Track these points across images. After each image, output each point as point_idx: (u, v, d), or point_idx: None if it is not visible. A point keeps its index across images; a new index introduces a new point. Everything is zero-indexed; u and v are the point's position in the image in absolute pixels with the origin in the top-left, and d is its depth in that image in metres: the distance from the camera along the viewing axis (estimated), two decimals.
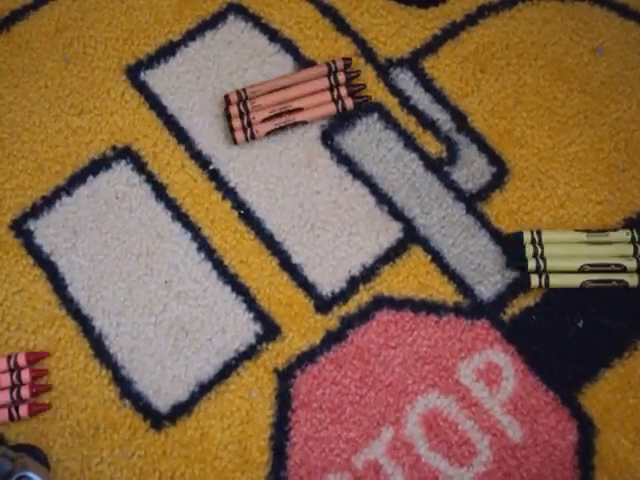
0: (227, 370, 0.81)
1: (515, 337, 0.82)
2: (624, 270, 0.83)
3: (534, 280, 0.83)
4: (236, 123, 0.88)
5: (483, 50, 0.94)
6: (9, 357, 0.79)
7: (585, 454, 0.79)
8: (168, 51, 0.93)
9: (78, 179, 0.87)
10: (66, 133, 0.89)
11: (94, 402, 0.79)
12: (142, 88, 0.91)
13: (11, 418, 0.78)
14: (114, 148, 0.89)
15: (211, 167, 0.88)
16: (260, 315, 0.83)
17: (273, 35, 0.94)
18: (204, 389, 0.80)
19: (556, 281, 0.83)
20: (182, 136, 0.89)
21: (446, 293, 0.84)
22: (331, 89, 0.90)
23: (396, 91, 0.92)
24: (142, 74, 0.92)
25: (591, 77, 0.93)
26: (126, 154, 0.89)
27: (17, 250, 0.85)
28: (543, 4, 0.96)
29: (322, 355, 0.81)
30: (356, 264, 0.85)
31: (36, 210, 0.86)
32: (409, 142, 0.90)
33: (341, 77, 0.90)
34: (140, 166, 0.88)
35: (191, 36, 0.94)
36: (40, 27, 0.94)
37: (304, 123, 0.89)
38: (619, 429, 0.79)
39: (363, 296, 0.84)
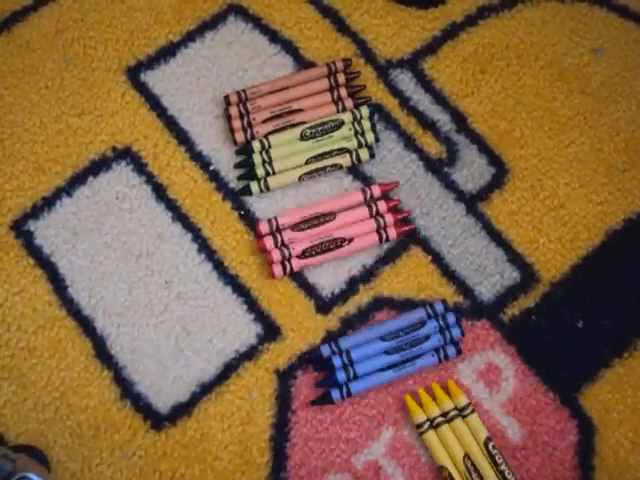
0: (228, 371, 0.81)
1: (515, 338, 0.82)
2: (344, 152, 0.86)
3: (254, 187, 0.85)
4: (236, 124, 0.88)
5: (483, 51, 0.94)
6: (364, 190, 0.85)
7: (585, 454, 0.79)
8: (168, 52, 0.93)
9: (78, 180, 0.87)
10: (66, 134, 0.89)
11: (94, 403, 0.80)
12: (142, 89, 0.91)
13: (380, 240, 0.83)
14: (114, 149, 0.89)
15: (211, 168, 0.88)
16: (261, 316, 0.83)
17: (273, 36, 0.94)
18: (205, 390, 0.80)
19: (275, 182, 0.85)
20: (182, 137, 0.90)
21: (446, 294, 0.84)
22: (331, 90, 0.90)
23: (396, 92, 0.92)
24: (142, 75, 0.92)
25: (591, 78, 0.93)
26: (126, 155, 0.89)
27: (17, 251, 0.85)
28: (543, 5, 0.96)
29: None
30: (356, 264, 0.85)
31: (36, 211, 0.86)
32: (409, 143, 0.90)
33: (341, 78, 0.90)
34: (140, 167, 0.88)
35: (191, 37, 0.94)
36: (40, 28, 0.94)
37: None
38: (619, 429, 0.80)
39: (363, 297, 0.84)
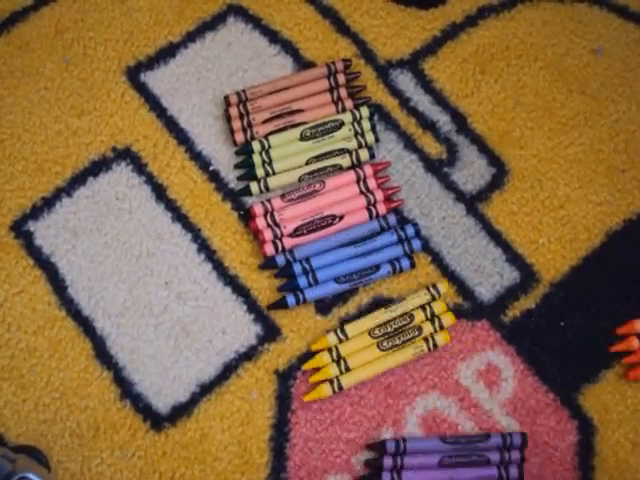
0: (227, 371, 0.81)
1: (515, 338, 0.82)
2: (344, 152, 0.87)
3: (254, 187, 0.86)
4: (236, 124, 0.88)
5: (483, 51, 0.94)
6: (355, 170, 0.86)
7: (585, 455, 0.79)
8: (168, 52, 0.93)
9: (78, 180, 0.87)
10: (66, 134, 0.89)
11: (94, 403, 0.80)
12: (142, 89, 0.91)
13: (370, 217, 0.85)
14: (114, 149, 0.89)
15: (211, 168, 0.88)
16: (260, 316, 0.83)
17: (273, 36, 0.94)
18: (204, 390, 0.80)
19: (275, 182, 0.86)
20: (182, 137, 0.90)
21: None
22: (331, 90, 0.90)
23: (396, 92, 0.92)
24: (142, 75, 0.92)
25: (591, 78, 0.93)
26: (126, 155, 0.89)
27: (17, 251, 0.85)
28: (543, 5, 0.96)
29: None
30: None
31: (36, 211, 0.86)
32: (409, 143, 0.90)
33: (341, 78, 0.90)
34: (140, 167, 0.88)
35: (191, 37, 0.94)
36: (40, 28, 0.94)
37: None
38: (619, 430, 0.80)
39: (363, 297, 0.84)
